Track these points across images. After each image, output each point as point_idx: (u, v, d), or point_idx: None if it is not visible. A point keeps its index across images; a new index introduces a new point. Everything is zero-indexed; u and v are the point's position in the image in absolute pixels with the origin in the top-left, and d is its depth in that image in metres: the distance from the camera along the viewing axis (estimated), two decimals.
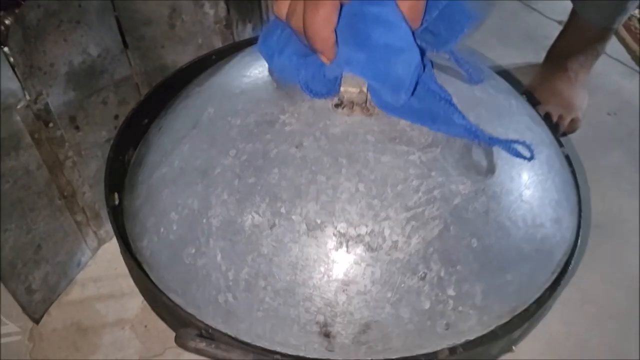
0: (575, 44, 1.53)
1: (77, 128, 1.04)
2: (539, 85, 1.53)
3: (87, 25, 0.97)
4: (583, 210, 0.87)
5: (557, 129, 1.45)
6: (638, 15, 1.93)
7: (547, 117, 1.43)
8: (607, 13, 1.43)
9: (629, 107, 1.60)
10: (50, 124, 0.98)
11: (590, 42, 1.52)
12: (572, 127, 1.50)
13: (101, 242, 1.18)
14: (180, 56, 1.12)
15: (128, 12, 1.04)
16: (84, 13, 0.96)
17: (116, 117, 1.10)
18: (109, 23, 1.02)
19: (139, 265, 0.77)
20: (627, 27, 1.88)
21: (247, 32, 1.21)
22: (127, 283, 0.97)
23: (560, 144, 0.94)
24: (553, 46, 1.60)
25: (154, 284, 0.75)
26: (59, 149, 1.02)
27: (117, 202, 0.87)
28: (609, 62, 1.76)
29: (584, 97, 1.55)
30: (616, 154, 1.47)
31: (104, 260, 1.15)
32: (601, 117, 1.58)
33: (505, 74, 1.25)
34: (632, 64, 1.76)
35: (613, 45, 1.81)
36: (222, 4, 1.15)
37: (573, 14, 1.52)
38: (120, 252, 0.80)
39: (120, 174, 0.90)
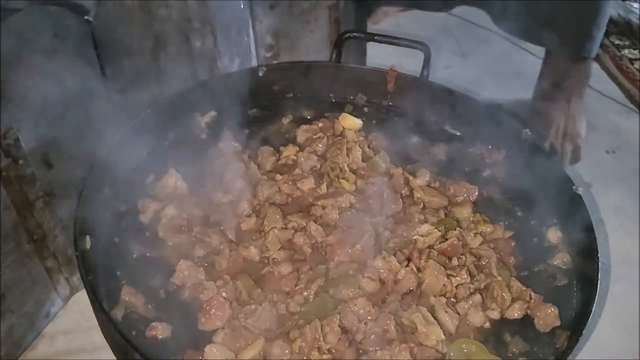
0: (560, 71, 1.51)
1: (49, 166, 0.96)
2: (535, 119, 1.49)
3: (63, 55, 0.92)
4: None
5: (562, 161, 1.42)
6: (629, 55, 1.93)
7: (552, 150, 1.41)
8: (575, 44, 1.43)
9: (627, 145, 1.57)
10: (20, 161, 0.91)
11: (575, 67, 1.50)
12: (575, 157, 1.47)
13: (74, 290, 1.09)
14: (164, 89, 1.06)
15: (108, 42, 0.98)
16: (60, 42, 0.90)
17: (93, 154, 1.02)
18: (87, 53, 0.96)
19: (110, 317, 0.68)
20: (619, 67, 1.87)
21: (235, 65, 1.15)
22: (102, 336, 0.88)
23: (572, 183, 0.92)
24: (540, 79, 1.58)
25: (125, 338, 0.66)
26: (29, 188, 0.94)
27: (88, 246, 0.79)
28: (604, 101, 1.73)
29: (582, 123, 1.52)
30: (618, 193, 1.42)
31: (76, 311, 1.06)
32: (600, 155, 1.54)
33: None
34: (627, 102, 1.74)
35: (607, 84, 1.80)
36: (209, 37, 1.10)
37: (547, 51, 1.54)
38: (90, 301, 0.72)
39: (93, 214, 0.83)
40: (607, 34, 2.03)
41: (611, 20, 2.12)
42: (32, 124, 0.91)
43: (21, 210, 0.94)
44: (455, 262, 0.89)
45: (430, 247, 0.90)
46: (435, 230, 0.92)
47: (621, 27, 2.08)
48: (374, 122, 1.15)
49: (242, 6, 1.13)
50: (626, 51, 1.95)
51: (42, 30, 0.88)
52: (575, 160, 1.46)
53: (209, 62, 1.10)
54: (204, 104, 1.07)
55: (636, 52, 1.94)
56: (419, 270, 0.86)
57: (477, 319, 0.83)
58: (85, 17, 0.99)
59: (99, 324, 0.77)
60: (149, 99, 1.08)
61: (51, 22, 0.91)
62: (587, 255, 0.87)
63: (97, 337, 1.01)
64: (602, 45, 1.96)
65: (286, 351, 0.75)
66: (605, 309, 1.14)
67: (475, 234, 0.94)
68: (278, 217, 0.91)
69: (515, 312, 0.84)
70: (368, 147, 1.08)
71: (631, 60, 1.90)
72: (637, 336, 1.10)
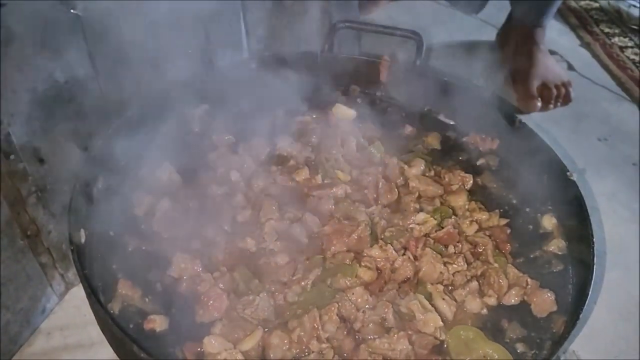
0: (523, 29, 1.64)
1: (41, 161, 0.95)
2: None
3: (53, 49, 0.90)
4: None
5: (560, 100, 1.54)
6: (619, 43, 1.93)
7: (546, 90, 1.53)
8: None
9: (619, 133, 1.57)
10: (12, 156, 0.90)
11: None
12: (569, 93, 1.56)
13: (69, 285, 1.08)
14: (156, 82, 1.05)
15: (98, 35, 0.97)
16: (50, 36, 0.89)
17: (86, 148, 1.01)
18: (78, 46, 0.95)
19: (107, 310, 0.68)
20: (610, 55, 1.87)
21: (227, 57, 1.15)
22: (98, 331, 0.88)
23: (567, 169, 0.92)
24: (509, 25, 1.70)
25: (123, 331, 0.66)
26: (22, 183, 0.93)
27: (83, 240, 0.79)
28: (595, 89, 1.74)
29: (556, 64, 1.65)
30: (610, 180, 1.42)
31: (71, 306, 1.05)
32: (592, 143, 1.54)
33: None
34: (618, 90, 1.75)
35: (598, 73, 1.80)
36: (200, 29, 1.10)
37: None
38: (86, 295, 0.72)
39: (87, 208, 0.82)
40: (597, 22, 2.04)
41: (601, 9, 2.13)
42: (23, 119, 0.90)
43: (14, 205, 0.92)
44: (451, 249, 0.89)
45: (427, 235, 0.91)
46: (431, 218, 0.92)
47: (611, 16, 2.09)
48: (367, 112, 1.14)
49: None
50: (616, 39, 1.96)
51: (31, 24, 0.87)
52: (569, 100, 1.56)
53: (200, 54, 1.09)
54: (197, 96, 1.06)
55: (626, 39, 1.95)
56: (415, 258, 0.86)
57: (475, 305, 0.83)
58: (74, 11, 0.98)
59: (95, 318, 0.76)
60: (141, 92, 1.07)
61: (41, 16, 0.90)
62: (582, 240, 0.88)
63: (94, 333, 1.00)
64: (592, 34, 1.98)
65: (285, 341, 0.75)
66: (600, 296, 1.14)
67: (471, 221, 0.94)
68: (274, 208, 0.91)
69: (512, 298, 0.85)
70: (362, 137, 1.08)
71: (621, 48, 1.90)
72: (633, 322, 1.11)
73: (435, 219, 0.92)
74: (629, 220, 1.31)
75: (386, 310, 0.79)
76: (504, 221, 0.96)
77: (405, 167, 1.01)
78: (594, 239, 0.86)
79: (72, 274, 1.08)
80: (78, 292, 1.08)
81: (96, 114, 1.01)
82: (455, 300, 0.83)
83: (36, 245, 0.98)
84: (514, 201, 1.01)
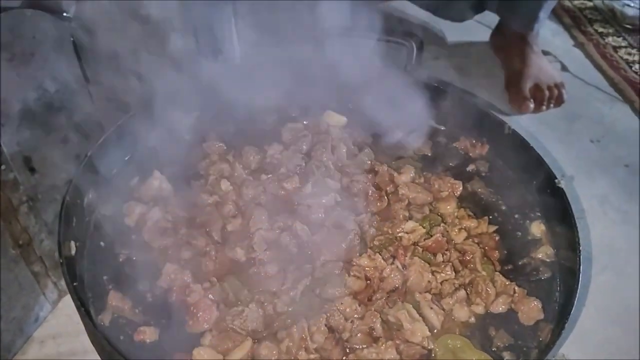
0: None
1: (32, 170, 0.95)
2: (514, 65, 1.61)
3: (43, 59, 0.90)
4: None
5: (553, 101, 1.55)
6: (613, 43, 1.93)
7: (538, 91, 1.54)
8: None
9: (612, 134, 1.58)
10: (2, 166, 0.90)
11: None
12: (562, 94, 1.58)
13: (62, 293, 1.08)
14: (146, 90, 1.05)
15: (88, 44, 0.97)
16: (39, 45, 0.89)
17: (77, 157, 1.02)
18: (68, 56, 0.95)
19: (95, 324, 0.69)
20: (603, 55, 1.87)
21: (218, 64, 1.15)
22: None
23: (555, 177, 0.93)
24: (503, 26, 1.71)
25: (111, 345, 0.67)
26: (13, 193, 0.93)
27: (73, 252, 0.79)
28: (589, 90, 1.74)
29: (549, 65, 1.66)
30: (602, 182, 1.43)
31: (64, 314, 1.06)
32: (585, 144, 1.55)
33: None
34: (611, 90, 1.75)
35: (591, 73, 1.81)
36: (191, 36, 1.10)
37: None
38: (76, 308, 0.72)
39: (78, 220, 0.82)
40: (590, 22, 2.04)
41: (595, 8, 2.13)
42: (13, 128, 0.90)
43: (5, 215, 0.92)
44: (440, 258, 0.90)
45: (415, 243, 0.91)
46: (420, 227, 0.92)
47: (605, 15, 2.09)
48: (358, 118, 1.14)
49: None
50: (610, 39, 1.95)
51: (20, 34, 0.87)
52: (562, 102, 1.57)
53: (191, 61, 1.09)
54: (187, 104, 1.06)
55: (620, 39, 1.95)
56: (404, 267, 0.87)
57: (462, 314, 0.84)
58: (65, 14, 0.98)
59: (85, 329, 0.77)
60: (131, 100, 1.07)
61: (29, 25, 0.90)
62: (569, 247, 0.88)
63: (87, 341, 0.99)
64: (586, 34, 1.97)
65: (274, 352, 0.76)
66: (589, 298, 1.15)
67: (460, 229, 0.95)
68: (264, 217, 0.91)
69: (500, 307, 0.86)
70: (353, 144, 1.08)
71: (615, 48, 1.90)
72: (622, 324, 1.11)
73: (424, 227, 0.92)
74: (620, 222, 1.32)
75: (374, 320, 0.80)
76: (492, 228, 0.97)
77: (395, 174, 1.02)
78: (582, 245, 0.87)
79: (64, 282, 1.08)
80: (71, 301, 1.08)
81: (86, 122, 1.02)
82: (443, 309, 0.84)
83: (28, 254, 0.98)
84: (503, 207, 1.02)
